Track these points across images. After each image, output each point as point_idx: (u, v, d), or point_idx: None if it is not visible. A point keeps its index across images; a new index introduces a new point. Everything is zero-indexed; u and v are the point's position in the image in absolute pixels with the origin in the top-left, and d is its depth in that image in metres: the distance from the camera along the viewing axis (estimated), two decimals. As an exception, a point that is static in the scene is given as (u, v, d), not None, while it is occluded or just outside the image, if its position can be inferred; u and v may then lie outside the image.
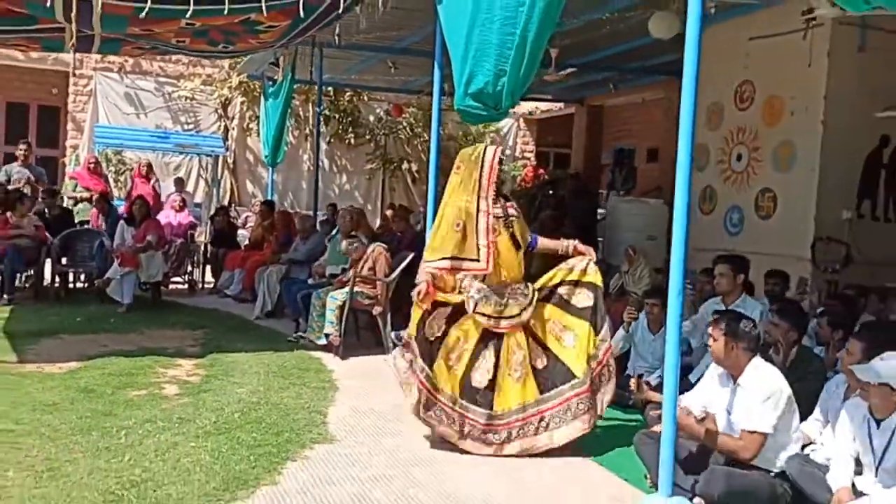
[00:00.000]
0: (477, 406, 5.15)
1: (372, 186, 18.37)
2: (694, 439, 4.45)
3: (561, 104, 17.45)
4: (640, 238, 10.46)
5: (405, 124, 17.80)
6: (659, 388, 5.06)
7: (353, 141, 17.79)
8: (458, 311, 5.26)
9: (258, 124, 14.05)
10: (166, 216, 11.81)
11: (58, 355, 7.02)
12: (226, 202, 16.28)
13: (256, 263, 10.44)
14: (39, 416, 5.21)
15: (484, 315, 5.20)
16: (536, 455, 5.09)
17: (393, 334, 7.77)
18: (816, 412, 4.68)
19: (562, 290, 5.37)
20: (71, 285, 10.66)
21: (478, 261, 5.24)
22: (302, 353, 7.65)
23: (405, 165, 18.13)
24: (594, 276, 5.38)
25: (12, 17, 7.34)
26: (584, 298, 5.32)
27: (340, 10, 7.18)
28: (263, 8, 6.91)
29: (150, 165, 13.50)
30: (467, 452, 5.06)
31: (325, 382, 6.64)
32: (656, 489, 4.10)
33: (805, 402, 4.77)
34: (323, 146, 17.17)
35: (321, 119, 13.95)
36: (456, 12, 5.61)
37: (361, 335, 8.41)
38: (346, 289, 7.78)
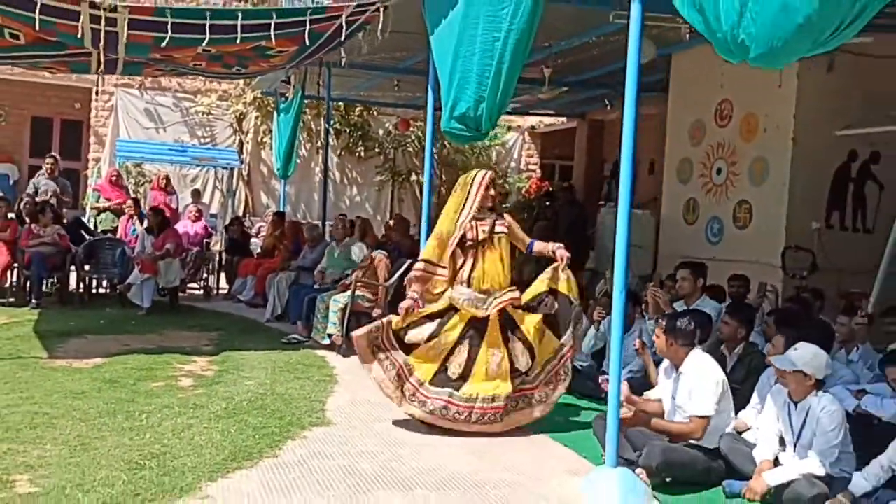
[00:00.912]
0: (444, 388, 5.68)
1: (381, 198, 18.82)
2: (660, 433, 5.01)
3: (564, 118, 17.91)
4: (628, 248, 10.95)
5: (413, 138, 18.17)
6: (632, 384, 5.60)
7: (363, 154, 18.21)
8: (441, 314, 5.84)
9: (272, 138, 14.54)
10: (184, 226, 12.27)
11: (84, 352, 7.61)
12: (241, 213, 16.68)
13: (267, 270, 10.98)
14: (71, 402, 5.86)
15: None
16: (502, 434, 5.65)
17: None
18: (754, 400, 5.26)
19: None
20: (94, 290, 11.22)
21: (445, 268, 5.86)
22: (307, 351, 8.25)
23: (413, 177, 18.55)
24: (564, 283, 5.93)
25: (43, 45, 7.93)
26: (551, 304, 5.92)
27: (343, 39, 7.84)
28: (272, 36, 7.60)
29: (168, 178, 13.92)
30: (436, 427, 5.63)
31: (326, 377, 7.22)
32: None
33: (750, 391, 5.39)
34: (334, 159, 17.68)
35: (331, 133, 14.50)
36: (443, 44, 6.26)
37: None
38: (348, 292, 8.41)
